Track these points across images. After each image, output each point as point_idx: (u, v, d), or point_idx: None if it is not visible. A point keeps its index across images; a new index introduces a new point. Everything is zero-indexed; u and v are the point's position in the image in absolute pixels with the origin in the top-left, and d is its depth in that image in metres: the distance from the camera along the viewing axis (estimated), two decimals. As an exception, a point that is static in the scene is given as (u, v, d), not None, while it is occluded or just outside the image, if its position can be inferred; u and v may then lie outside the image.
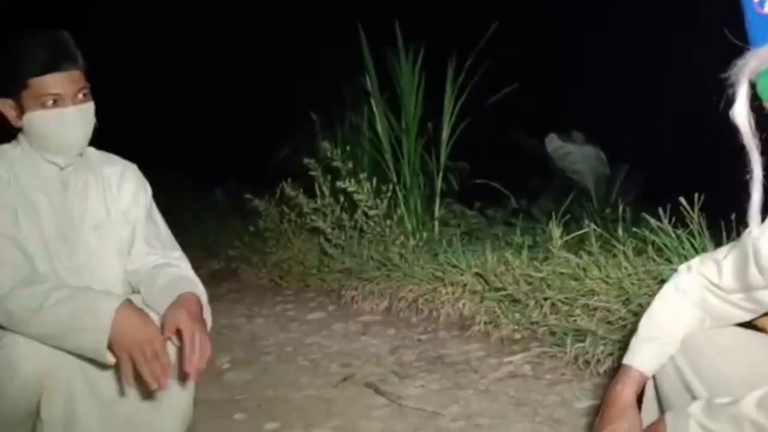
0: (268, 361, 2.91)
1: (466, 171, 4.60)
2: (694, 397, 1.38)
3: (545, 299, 2.83)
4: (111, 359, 1.52)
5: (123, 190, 1.81)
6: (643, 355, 1.49)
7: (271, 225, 4.42)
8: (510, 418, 2.21)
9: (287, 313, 3.62)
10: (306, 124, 4.99)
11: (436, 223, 4.00)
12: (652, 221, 2.68)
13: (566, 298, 2.76)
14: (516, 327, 2.86)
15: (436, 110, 4.01)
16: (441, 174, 4.05)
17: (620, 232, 2.86)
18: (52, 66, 1.60)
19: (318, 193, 4.03)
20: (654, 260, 2.65)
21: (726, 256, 1.48)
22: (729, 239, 2.21)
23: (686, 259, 1.93)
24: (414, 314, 3.30)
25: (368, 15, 4.05)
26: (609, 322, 2.56)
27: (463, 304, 3.13)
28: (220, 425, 2.29)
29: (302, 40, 6.88)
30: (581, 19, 6.05)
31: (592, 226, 2.94)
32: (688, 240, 2.56)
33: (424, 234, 3.82)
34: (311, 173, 4.00)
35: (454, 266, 3.27)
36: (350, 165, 3.93)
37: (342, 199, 3.98)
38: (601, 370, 2.41)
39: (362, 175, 3.87)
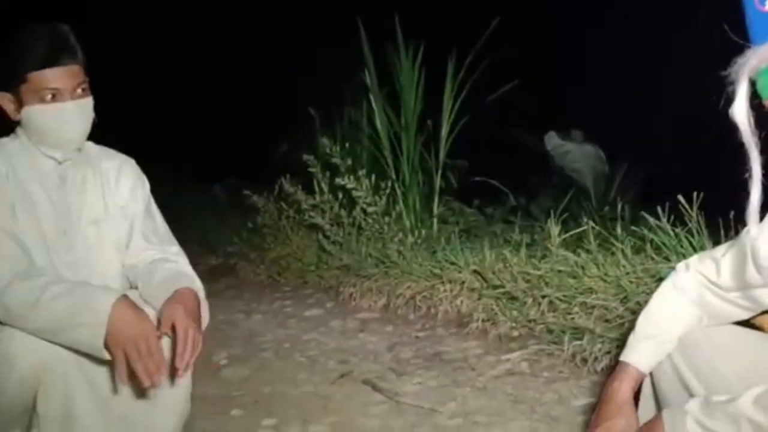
0: (265, 357, 2.91)
1: (465, 168, 4.59)
2: (691, 395, 1.38)
3: (543, 297, 2.83)
4: (107, 354, 1.51)
5: (121, 185, 1.80)
6: (641, 353, 1.49)
7: (270, 221, 4.42)
8: (507, 415, 2.21)
9: (285, 310, 3.61)
10: (305, 121, 4.99)
11: (435, 220, 4.00)
12: (651, 220, 2.68)
13: (564, 296, 2.76)
14: (514, 324, 2.86)
15: (436, 107, 4.01)
16: (440, 171, 4.05)
17: (619, 230, 2.86)
18: (51, 60, 1.60)
19: (317, 189, 4.03)
20: (652, 258, 2.65)
21: (724, 255, 1.48)
22: (727, 238, 2.21)
23: (684, 257, 1.92)
24: (412, 311, 3.30)
25: (369, 14, 4.04)
26: (607, 320, 2.56)
27: (461, 302, 3.14)
28: (217, 421, 2.29)
29: (302, 40, 6.88)
30: (581, 17, 6.05)
31: (591, 224, 2.94)
32: (687, 238, 2.56)
33: (423, 231, 3.81)
34: (310, 170, 4.00)
35: (453, 263, 3.27)
36: (349, 162, 3.93)
37: (341, 195, 3.97)
38: (599, 368, 2.41)
39: (361, 172, 3.86)
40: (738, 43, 1.25)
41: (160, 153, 4.74)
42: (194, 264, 1.83)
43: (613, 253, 2.80)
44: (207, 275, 3.98)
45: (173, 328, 1.54)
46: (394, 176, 4.04)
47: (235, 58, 7.40)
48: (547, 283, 2.86)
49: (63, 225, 1.70)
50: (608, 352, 2.41)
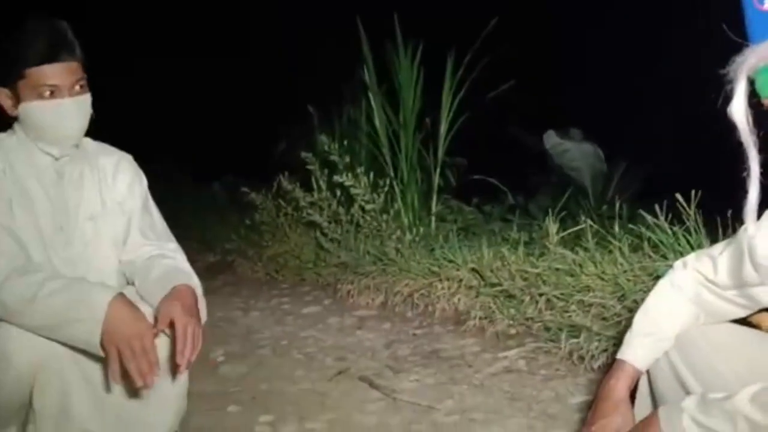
0: (263, 354, 2.91)
1: (463, 166, 4.59)
2: (687, 393, 1.38)
3: (540, 295, 2.83)
4: (102, 351, 1.51)
5: (118, 181, 1.80)
6: (637, 350, 1.50)
7: (268, 219, 4.42)
8: (504, 413, 2.21)
9: (283, 307, 3.61)
10: (305, 119, 4.98)
11: (433, 218, 4.00)
12: (649, 218, 2.68)
13: (561, 294, 2.76)
14: (511, 322, 2.86)
15: (435, 105, 4.01)
16: (438, 169, 4.05)
17: (617, 228, 2.86)
18: (50, 56, 1.60)
19: (315, 187, 4.02)
20: (650, 257, 2.66)
21: (722, 253, 1.48)
22: (725, 236, 2.22)
23: (682, 255, 1.92)
24: (409, 309, 3.30)
25: (368, 13, 4.04)
26: (604, 318, 2.56)
27: (459, 299, 3.14)
28: (214, 417, 2.29)
29: (302, 39, 6.88)
30: (580, 16, 6.05)
31: (589, 222, 2.95)
32: (684, 237, 2.56)
33: (421, 229, 3.81)
34: (308, 167, 3.99)
35: (450, 261, 3.27)
36: (347, 159, 3.93)
37: (339, 193, 3.97)
38: (596, 366, 2.41)
39: (359, 170, 3.86)
40: (736, 41, 1.25)
41: (159, 151, 4.74)
42: (192, 261, 1.83)
43: (610, 252, 2.80)
44: (205, 272, 3.98)
45: (171, 326, 1.54)
46: (392, 174, 4.04)
47: (234, 58, 7.39)
48: (544, 281, 2.87)
49: (60, 221, 1.70)
50: (605, 350, 2.41)
